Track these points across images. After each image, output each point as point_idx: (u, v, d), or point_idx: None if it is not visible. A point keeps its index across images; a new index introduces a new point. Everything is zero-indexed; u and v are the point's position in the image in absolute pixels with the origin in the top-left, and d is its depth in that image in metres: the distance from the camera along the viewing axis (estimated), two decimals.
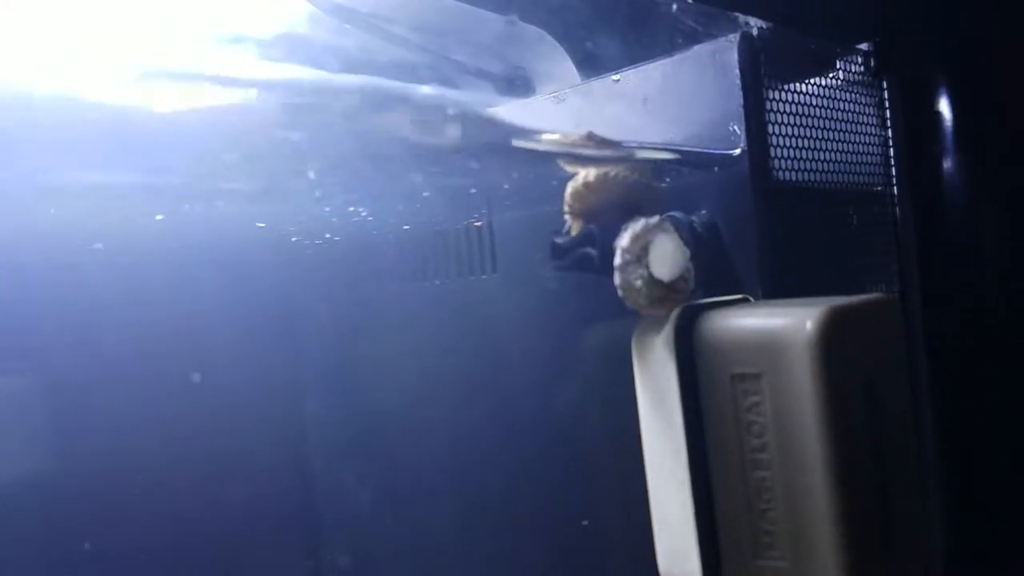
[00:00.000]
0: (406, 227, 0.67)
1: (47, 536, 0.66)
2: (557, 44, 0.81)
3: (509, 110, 0.62)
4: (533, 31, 0.80)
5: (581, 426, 0.58)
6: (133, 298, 0.68)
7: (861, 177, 0.66)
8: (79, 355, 0.67)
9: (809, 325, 0.44)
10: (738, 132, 0.54)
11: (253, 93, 0.42)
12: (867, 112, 0.67)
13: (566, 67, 0.81)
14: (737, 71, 0.54)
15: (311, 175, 0.51)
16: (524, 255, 0.59)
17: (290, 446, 0.77)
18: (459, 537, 0.67)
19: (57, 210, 0.58)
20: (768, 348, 0.46)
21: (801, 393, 0.44)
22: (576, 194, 0.46)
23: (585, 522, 0.59)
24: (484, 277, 0.63)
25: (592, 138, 0.47)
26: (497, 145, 0.45)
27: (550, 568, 0.62)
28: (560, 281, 0.56)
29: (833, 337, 0.44)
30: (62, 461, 0.67)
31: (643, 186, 0.47)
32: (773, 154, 0.56)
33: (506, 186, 0.57)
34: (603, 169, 0.46)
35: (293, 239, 0.67)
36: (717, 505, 0.48)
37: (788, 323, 0.45)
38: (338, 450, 0.75)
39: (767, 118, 0.56)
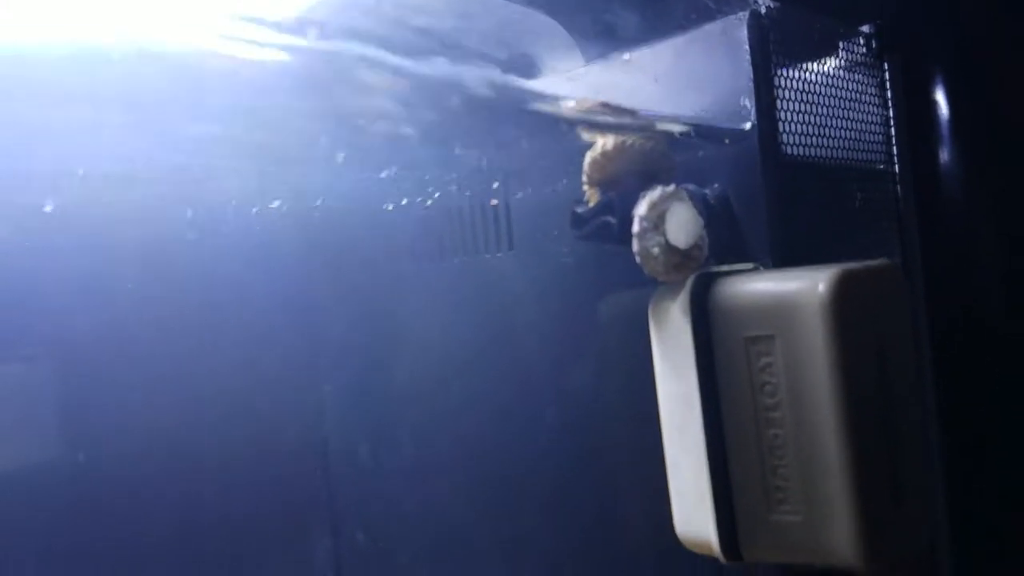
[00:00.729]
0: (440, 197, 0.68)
1: (94, 515, 0.67)
2: (563, 30, 0.83)
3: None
4: (538, 18, 0.82)
5: (600, 397, 0.60)
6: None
7: (864, 155, 0.68)
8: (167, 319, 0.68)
9: (821, 287, 0.46)
10: (748, 107, 0.55)
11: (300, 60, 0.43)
12: (869, 92, 0.69)
13: (572, 54, 0.83)
14: (747, 48, 0.56)
15: (338, 147, 0.52)
16: (546, 229, 0.60)
17: (316, 422, 0.78)
18: (481, 509, 0.69)
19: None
20: (781, 310, 0.47)
21: (814, 353, 0.46)
22: (594, 163, 0.47)
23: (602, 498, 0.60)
24: (501, 254, 0.65)
25: (607, 105, 0.49)
26: (521, 111, 0.46)
27: (570, 538, 0.63)
28: (579, 254, 0.57)
29: (844, 299, 0.46)
30: (112, 440, 0.68)
31: (659, 155, 0.49)
32: (781, 129, 0.58)
33: (535, 158, 0.59)
34: (620, 138, 0.47)
35: (315, 213, 0.68)
36: (731, 463, 0.49)
37: (801, 286, 0.47)
38: (362, 428, 0.76)
39: (775, 94, 0.58)
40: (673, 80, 0.57)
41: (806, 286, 0.47)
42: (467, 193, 0.64)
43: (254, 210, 0.72)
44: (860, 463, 0.46)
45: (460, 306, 0.68)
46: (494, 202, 0.61)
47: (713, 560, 0.50)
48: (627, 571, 0.60)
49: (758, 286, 0.49)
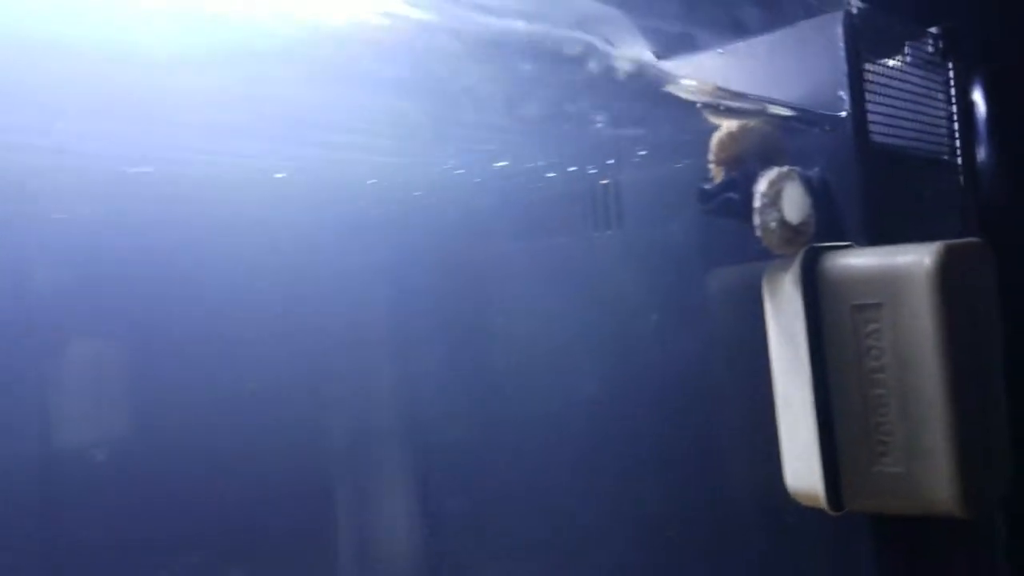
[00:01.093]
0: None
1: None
2: (631, 24, 0.87)
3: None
4: (608, 11, 0.86)
5: (714, 366, 0.64)
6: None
7: (932, 147, 0.73)
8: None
9: (928, 260, 0.51)
10: (843, 97, 0.60)
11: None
12: (936, 89, 0.74)
13: (644, 53, 0.88)
14: (842, 43, 0.61)
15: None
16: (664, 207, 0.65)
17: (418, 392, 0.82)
18: (598, 476, 0.73)
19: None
20: (890, 280, 0.52)
21: (921, 319, 0.51)
22: (720, 143, 0.52)
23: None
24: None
25: (722, 90, 0.53)
26: (655, 92, 0.51)
27: (689, 499, 0.68)
28: (690, 231, 0.62)
29: (949, 270, 0.51)
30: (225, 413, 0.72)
31: (775, 138, 0.53)
32: (869, 119, 0.63)
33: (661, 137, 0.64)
34: (742, 121, 0.52)
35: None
36: (837, 420, 0.54)
37: (908, 259, 0.52)
38: (465, 400, 0.80)
39: (864, 87, 0.63)
40: (776, 70, 0.62)
41: (914, 259, 0.51)
42: (590, 170, 0.68)
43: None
44: (961, 419, 0.51)
45: (585, 279, 0.73)
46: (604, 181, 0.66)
47: (820, 512, 0.55)
48: (740, 528, 0.65)
49: (865, 259, 0.54)
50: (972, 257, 0.54)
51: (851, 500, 0.55)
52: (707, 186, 0.53)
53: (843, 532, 0.59)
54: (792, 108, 0.57)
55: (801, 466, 0.55)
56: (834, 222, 0.60)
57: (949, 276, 0.51)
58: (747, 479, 0.63)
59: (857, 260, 0.54)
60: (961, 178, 0.76)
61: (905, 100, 0.69)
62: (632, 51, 0.52)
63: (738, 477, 0.64)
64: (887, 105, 0.66)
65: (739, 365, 0.60)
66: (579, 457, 0.73)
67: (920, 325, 0.51)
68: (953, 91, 0.77)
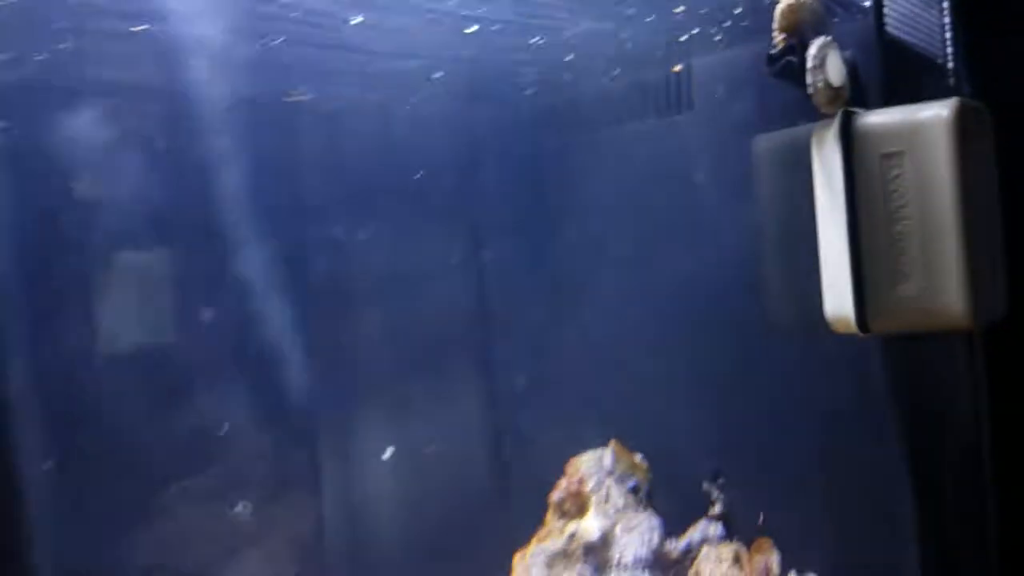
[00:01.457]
0: None
1: None
2: None
3: None
4: None
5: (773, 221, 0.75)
6: None
7: (932, 49, 0.83)
8: None
9: (946, 112, 0.61)
10: None
11: None
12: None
13: None
14: None
15: None
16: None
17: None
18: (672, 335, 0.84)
19: None
20: (912, 131, 0.62)
21: (939, 162, 0.61)
22: (783, 13, 0.62)
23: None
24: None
25: None
26: None
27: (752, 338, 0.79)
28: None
29: (963, 120, 0.61)
30: None
31: (821, 12, 0.63)
32: (885, 12, 0.73)
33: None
34: None
35: None
36: (865, 252, 0.65)
37: (929, 112, 0.62)
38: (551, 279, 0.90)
39: None
40: None
41: (934, 112, 0.62)
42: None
43: None
44: (970, 246, 0.61)
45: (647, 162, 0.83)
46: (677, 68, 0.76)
47: (851, 338, 0.65)
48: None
49: (891, 114, 0.64)
50: (979, 114, 0.65)
51: (875, 323, 0.65)
52: (772, 51, 0.63)
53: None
54: None
55: (837, 297, 0.65)
56: (855, 96, 0.70)
57: (963, 125, 0.61)
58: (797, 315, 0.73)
59: (884, 116, 0.64)
60: (951, 80, 0.87)
61: (913, 4, 0.80)
62: None
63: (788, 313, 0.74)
64: (901, 3, 0.77)
65: (791, 219, 0.70)
66: (669, 310, 0.83)
67: (938, 168, 0.61)
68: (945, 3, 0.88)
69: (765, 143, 0.68)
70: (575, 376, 0.89)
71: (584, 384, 0.88)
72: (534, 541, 0.74)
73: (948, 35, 0.88)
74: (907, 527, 0.68)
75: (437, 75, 0.86)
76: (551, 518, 0.75)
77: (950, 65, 0.88)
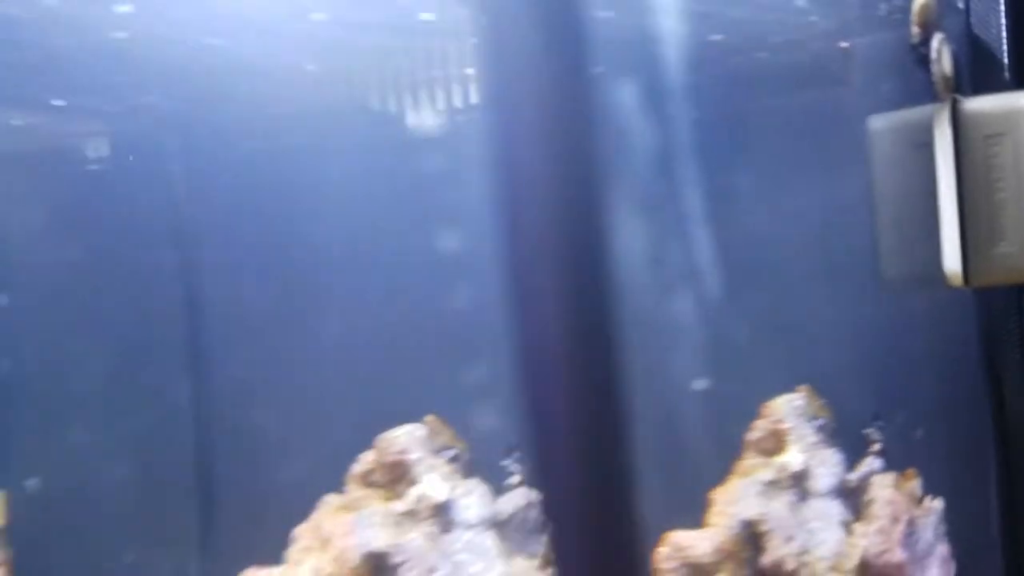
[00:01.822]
0: None
1: None
2: None
3: None
4: None
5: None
6: None
7: (993, 42, 0.97)
8: None
9: None
10: None
11: None
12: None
13: None
14: None
15: None
16: None
17: None
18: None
19: None
20: (1012, 115, 0.75)
21: None
22: (921, 9, 0.74)
23: None
24: None
25: None
26: None
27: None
28: None
29: None
30: None
31: (940, 11, 0.76)
32: (971, 13, 0.86)
33: None
34: None
35: None
36: (970, 216, 0.77)
37: None
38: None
39: None
40: None
41: None
42: None
43: None
44: None
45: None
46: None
47: (958, 290, 0.78)
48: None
49: (994, 101, 0.77)
50: None
51: (975, 278, 0.78)
52: (912, 42, 0.75)
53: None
54: None
55: (950, 255, 0.78)
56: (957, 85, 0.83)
57: None
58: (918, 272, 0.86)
59: (988, 102, 0.77)
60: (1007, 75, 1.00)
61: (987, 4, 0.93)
62: None
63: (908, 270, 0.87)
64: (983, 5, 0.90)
65: (914, 190, 0.82)
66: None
67: None
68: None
69: (883, 122, 0.81)
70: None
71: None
72: (734, 478, 0.85)
73: (1004, 33, 1.02)
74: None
75: None
76: (749, 455, 0.86)
77: (1006, 60, 1.02)
